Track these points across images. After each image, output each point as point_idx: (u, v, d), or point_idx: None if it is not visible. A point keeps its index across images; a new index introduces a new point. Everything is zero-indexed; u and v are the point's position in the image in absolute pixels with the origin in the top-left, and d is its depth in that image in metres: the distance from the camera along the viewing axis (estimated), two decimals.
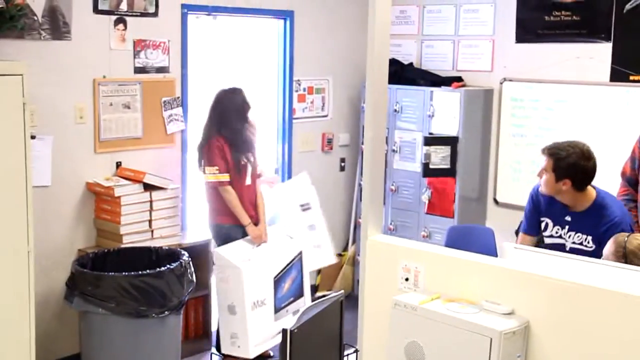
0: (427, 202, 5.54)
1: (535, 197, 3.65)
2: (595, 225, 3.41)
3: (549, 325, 2.32)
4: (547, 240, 3.61)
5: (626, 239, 2.87)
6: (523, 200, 5.30)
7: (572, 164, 3.38)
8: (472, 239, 4.78)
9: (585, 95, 5.06)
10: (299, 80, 5.63)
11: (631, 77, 4.91)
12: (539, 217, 3.63)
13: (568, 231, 3.54)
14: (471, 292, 2.43)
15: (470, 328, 2.22)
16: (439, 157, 5.34)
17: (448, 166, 5.46)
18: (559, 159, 3.40)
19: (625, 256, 2.86)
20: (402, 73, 5.71)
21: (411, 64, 5.91)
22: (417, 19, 5.93)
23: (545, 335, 2.32)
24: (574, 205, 3.48)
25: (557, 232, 3.57)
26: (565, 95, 5.12)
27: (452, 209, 5.51)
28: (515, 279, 2.42)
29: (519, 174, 5.52)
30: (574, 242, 3.53)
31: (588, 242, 3.47)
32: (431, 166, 5.34)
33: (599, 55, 5.09)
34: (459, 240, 4.61)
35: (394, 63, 5.65)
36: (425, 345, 2.30)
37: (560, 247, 3.51)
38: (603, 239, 3.24)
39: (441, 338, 2.31)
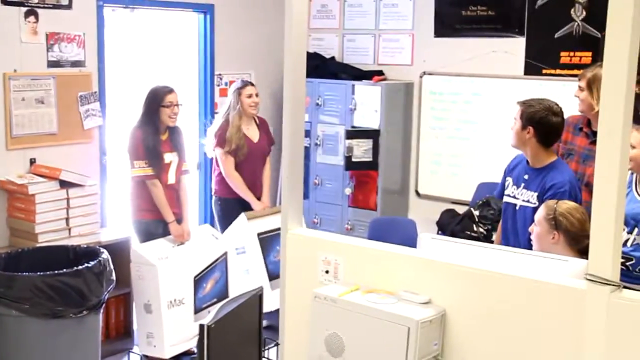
0: (350, 195, 5.45)
1: (510, 163, 3.88)
2: (544, 185, 3.61)
3: (465, 313, 2.33)
4: (504, 200, 3.83)
5: (556, 203, 3.05)
6: (444, 192, 5.42)
7: (537, 112, 3.60)
8: (395, 231, 4.85)
9: (501, 89, 5.20)
10: (220, 75, 5.57)
11: (544, 71, 5.11)
12: (505, 179, 3.84)
13: (522, 189, 3.71)
14: (390, 283, 2.44)
15: (388, 318, 2.23)
16: (361, 150, 5.38)
17: (370, 159, 5.51)
18: (528, 107, 3.61)
19: (555, 219, 3.04)
20: (324, 67, 5.73)
21: (333, 57, 5.95)
22: (338, 13, 5.96)
23: (461, 323, 2.34)
24: (534, 162, 3.66)
25: (512, 192, 3.74)
26: (482, 88, 5.26)
27: (375, 201, 5.54)
28: (432, 269, 2.44)
29: (440, 167, 5.63)
30: (523, 200, 3.69)
31: (533, 198, 3.63)
32: (354, 159, 5.38)
33: (513, 49, 5.26)
34: (381, 232, 4.67)
35: (315, 57, 5.68)
36: (345, 336, 2.30)
37: (512, 208, 3.73)
38: (550, 197, 3.50)
39: (360, 329, 2.31)
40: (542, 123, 3.60)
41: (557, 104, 3.62)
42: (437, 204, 5.22)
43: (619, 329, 2.13)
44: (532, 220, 3.43)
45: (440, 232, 5.25)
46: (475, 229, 4.52)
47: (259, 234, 4.66)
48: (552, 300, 2.24)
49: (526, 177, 3.68)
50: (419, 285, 2.44)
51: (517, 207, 3.69)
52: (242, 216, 4.70)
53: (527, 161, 3.68)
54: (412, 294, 2.35)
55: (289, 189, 2.77)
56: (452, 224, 5.05)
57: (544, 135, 3.62)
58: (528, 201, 3.65)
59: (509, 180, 3.77)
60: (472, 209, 4.60)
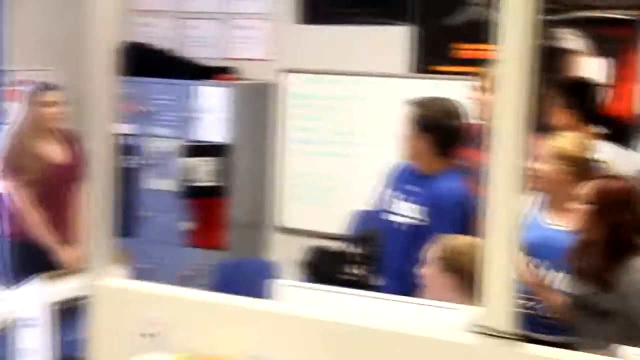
0: (189, 231, 5.45)
1: (391, 172, 4.25)
2: (434, 197, 3.99)
3: None
4: (383, 218, 4.13)
5: (450, 240, 3.41)
6: (313, 224, 5.47)
7: (433, 115, 3.99)
8: (249, 276, 4.89)
9: (384, 90, 5.43)
10: (11, 71, 5.46)
11: (436, 67, 5.47)
12: (384, 193, 4.17)
13: (407, 203, 4.08)
14: (233, 346, 2.49)
15: None
16: (205, 172, 5.39)
17: (217, 184, 5.60)
18: (420, 109, 4.02)
19: (447, 258, 3.41)
20: (155, 62, 5.84)
21: (166, 50, 6.03)
22: None
23: None
24: (423, 170, 4.04)
25: (394, 208, 4.14)
26: (361, 90, 5.29)
27: (223, 239, 5.61)
28: (288, 326, 2.50)
29: (307, 191, 5.81)
30: (408, 217, 4.07)
31: (422, 214, 3.98)
32: (194, 184, 5.33)
33: (398, 40, 5.57)
34: (231, 279, 4.72)
35: (142, 49, 5.59)
36: None
37: (394, 228, 4.13)
38: (441, 213, 3.94)
39: None
40: (439, 127, 3.90)
41: (455, 103, 3.99)
42: (304, 240, 5.29)
43: None
44: (416, 242, 3.61)
45: (308, 275, 5.37)
46: (351, 270, 4.66)
47: (56, 303, 4.57)
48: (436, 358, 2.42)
49: (412, 188, 4.00)
50: (271, 346, 2.49)
51: (401, 226, 4.01)
52: (37, 279, 4.61)
53: (414, 169, 3.97)
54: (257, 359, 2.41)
55: (96, 225, 2.76)
56: (323, 265, 5.20)
57: (442, 141, 3.95)
58: (414, 218, 3.97)
59: (391, 193, 4.08)
60: (348, 245, 4.75)
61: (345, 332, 2.41)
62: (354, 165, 5.50)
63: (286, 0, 5.81)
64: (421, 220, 3.91)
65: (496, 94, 2.31)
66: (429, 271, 3.41)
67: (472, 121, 4.46)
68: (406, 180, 4.02)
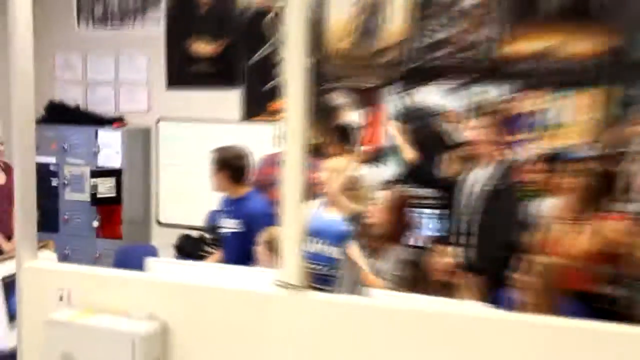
0: (97, 227, 5.37)
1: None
2: (243, 213, 3.93)
3: (186, 326, 2.40)
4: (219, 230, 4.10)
5: (269, 230, 3.46)
6: (182, 219, 5.49)
7: (228, 157, 3.96)
8: (138, 257, 4.78)
9: (223, 131, 5.58)
10: None
11: (258, 117, 5.57)
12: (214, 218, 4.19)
13: (227, 219, 3.99)
14: (118, 305, 2.44)
15: (115, 335, 2.25)
16: (106, 187, 5.31)
17: (114, 195, 5.74)
18: (220, 153, 3.99)
19: (270, 242, 3.44)
20: (70, 114, 6.04)
21: (78, 106, 6.19)
22: (80, 65, 5.86)
23: (183, 336, 2.40)
24: (233, 195, 3.97)
25: (222, 223, 4.03)
26: (208, 132, 5.47)
27: (120, 231, 5.43)
28: (155, 289, 2.48)
29: (178, 197, 5.91)
30: (231, 228, 3.96)
31: (238, 225, 3.91)
32: (99, 196, 5.33)
33: (233, 98, 5.71)
34: (126, 259, 4.67)
35: (61, 106, 5.65)
36: (79, 356, 2.28)
37: (225, 235, 4.00)
38: (251, 221, 3.86)
39: (91, 348, 2.30)
40: (232, 165, 3.93)
41: (243, 148, 4.02)
42: (176, 231, 5.27)
43: (305, 321, 2.28)
44: (241, 242, 3.66)
45: (178, 254, 5.28)
46: (206, 249, 4.64)
47: (4, 278, 4.38)
48: (252, 306, 2.35)
49: (230, 208, 4.00)
50: (144, 304, 2.46)
51: (227, 233, 3.99)
52: None
53: (228, 196, 4.04)
54: (136, 313, 2.37)
55: (21, 222, 2.67)
56: (188, 247, 5.16)
57: (234, 175, 3.94)
58: (235, 228, 3.95)
59: (219, 213, 4.14)
60: (203, 233, 4.72)
61: (196, 291, 2.38)
62: (207, 180, 5.17)
63: (159, 72, 6.00)
64: (240, 229, 3.95)
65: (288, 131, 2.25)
66: (259, 249, 3.59)
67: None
68: (225, 204, 4.08)
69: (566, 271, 3.35)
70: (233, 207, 3.93)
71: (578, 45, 5.02)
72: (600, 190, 3.66)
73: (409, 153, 4.97)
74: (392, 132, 5.25)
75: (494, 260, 3.88)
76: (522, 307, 3.22)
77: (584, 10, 4.98)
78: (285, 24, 2.26)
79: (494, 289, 3.56)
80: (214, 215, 5.04)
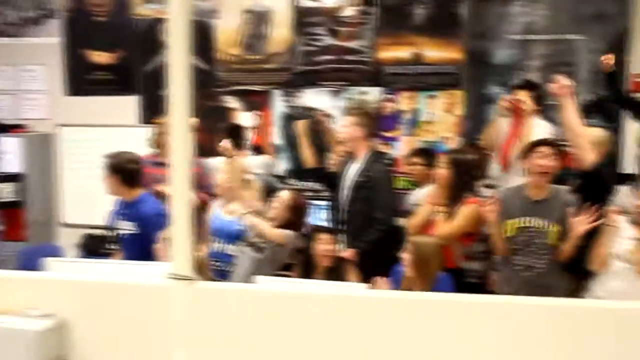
0: (2, 231, 5.35)
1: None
2: (138, 215, 3.83)
3: (86, 321, 2.44)
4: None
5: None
6: (86, 219, 5.42)
7: (119, 162, 3.84)
8: (42, 257, 4.67)
9: (122, 135, 5.49)
10: None
11: (153, 120, 5.24)
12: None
13: (123, 221, 3.90)
14: (17, 304, 2.45)
15: (9, 333, 2.26)
16: (9, 191, 5.19)
17: (17, 199, 5.60)
18: (111, 159, 3.85)
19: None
20: None
21: None
22: None
23: (83, 331, 2.45)
24: (127, 198, 3.86)
25: (118, 225, 3.93)
26: (108, 136, 5.71)
27: (25, 234, 5.37)
28: (54, 287, 2.50)
29: (82, 198, 5.70)
30: (127, 229, 3.87)
31: (133, 227, 3.84)
32: (2, 200, 5.18)
33: (131, 104, 5.69)
34: (30, 261, 4.53)
35: None
36: None
37: (123, 236, 3.90)
38: (144, 223, 3.77)
39: None
40: (124, 169, 3.84)
41: (134, 153, 3.97)
42: (81, 231, 5.22)
43: (197, 309, 2.34)
44: (138, 243, 3.63)
45: (82, 252, 5.21)
46: (109, 247, 4.59)
47: None
48: (148, 298, 2.39)
49: (124, 211, 3.94)
50: (43, 302, 2.49)
51: (124, 234, 3.92)
52: None
53: (122, 199, 3.94)
54: (34, 311, 2.39)
55: None
56: (91, 245, 5.11)
57: (127, 179, 3.86)
58: (130, 229, 3.88)
59: (115, 215, 4.04)
60: (105, 232, 4.66)
61: (94, 288, 2.45)
62: None
63: (57, 81, 5.86)
64: (135, 231, 3.85)
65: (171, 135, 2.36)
66: (159, 247, 3.45)
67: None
68: (120, 206, 3.98)
69: (440, 250, 3.51)
70: (127, 210, 3.91)
71: (441, 52, 5.41)
72: (463, 178, 3.90)
73: (307, 151, 5.26)
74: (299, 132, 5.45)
75: (365, 243, 4.07)
76: (407, 282, 3.37)
77: (445, 23, 5.38)
78: (169, 32, 2.31)
79: (375, 268, 3.62)
80: (113, 215, 5.01)
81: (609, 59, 4.49)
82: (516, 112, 4.33)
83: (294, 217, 3.99)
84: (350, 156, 4.41)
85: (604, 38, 5.12)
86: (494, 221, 3.65)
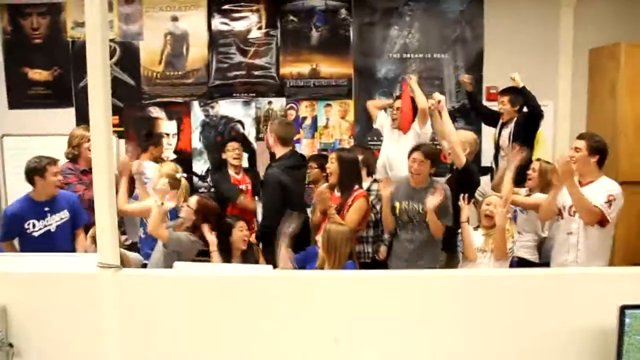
0: None
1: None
2: (65, 205, 3.79)
3: (23, 308, 2.39)
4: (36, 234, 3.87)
5: None
6: None
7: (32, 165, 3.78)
8: None
9: (63, 144, 5.09)
10: None
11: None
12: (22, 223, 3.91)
13: (50, 216, 3.82)
14: None
15: None
16: None
17: None
18: (29, 164, 3.77)
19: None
20: None
21: None
22: None
23: (20, 316, 2.38)
24: (41, 197, 3.80)
25: (43, 224, 3.80)
26: (49, 144, 5.40)
27: None
28: None
29: None
30: (57, 221, 3.79)
31: (64, 218, 3.83)
32: None
33: (66, 116, 5.55)
34: None
35: None
36: None
37: (48, 233, 3.82)
38: (74, 212, 3.77)
39: None
40: (34, 170, 3.81)
41: (51, 157, 3.87)
42: None
43: (124, 294, 2.33)
44: (69, 226, 3.80)
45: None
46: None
47: None
48: (80, 285, 2.34)
49: (49, 207, 3.88)
50: None
51: (51, 227, 3.82)
52: None
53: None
54: None
55: None
56: None
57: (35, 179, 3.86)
58: (59, 220, 3.82)
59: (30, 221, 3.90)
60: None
61: (30, 278, 2.39)
62: None
63: (0, 95, 5.58)
64: (62, 220, 3.83)
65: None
66: (88, 244, 3.44)
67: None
68: (44, 205, 3.81)
69: (350, 237, 3.48)
70: (48, 206, 3.79)
71: (335, 67, 5.68)
72: (352, 173, 4.02)
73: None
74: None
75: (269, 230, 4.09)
76: (320, 262, 3.37)
77: (337, 43, 5.65)
78: (88, 51, 2.31)
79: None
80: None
81: (466, 79, 4.81)
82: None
83: (202, 220, 3.72)
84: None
85: (465, 57, 5.65)
86: (386, 201, 3.90)
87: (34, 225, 3.80)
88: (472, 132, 4.56)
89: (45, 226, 3.80)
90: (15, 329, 2.48)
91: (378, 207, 4.17)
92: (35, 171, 3.77)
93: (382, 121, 4.83)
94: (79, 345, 2.34)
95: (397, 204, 3.95)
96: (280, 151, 4.15)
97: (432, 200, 3.74)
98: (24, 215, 3.79)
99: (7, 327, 2.48)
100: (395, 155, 4.46)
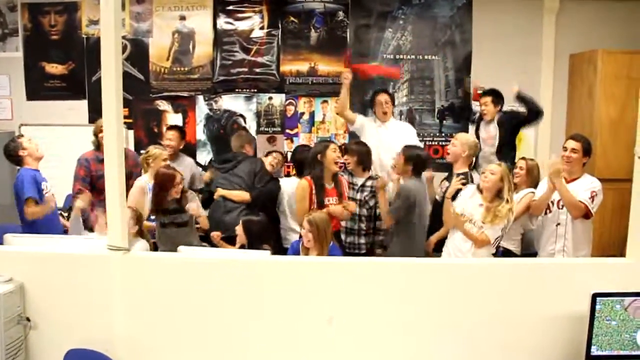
0: None
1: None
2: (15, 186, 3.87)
3: (40, 286, 2.41)
4: None
5: None
6: None
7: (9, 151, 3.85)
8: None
9: (77, 134, 5.41)
10: None
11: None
12: None
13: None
14: None
15: None
16: None
17: None
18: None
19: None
20: None
21: None
22: None
23: (38, 293, 2.40)
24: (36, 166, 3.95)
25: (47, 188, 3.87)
26: (63, 133, 5.50)
27: None
28: (13, 258, 2.45)
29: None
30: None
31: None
32: None
33: (82, 107, 5.62)
34: None
35: None
36: None
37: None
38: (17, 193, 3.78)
39: None
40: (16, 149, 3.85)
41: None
42: None
43: (131, 275, 2.35)
44: None
45: None
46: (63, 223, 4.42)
47: None
48: (91, 266, 2.37)
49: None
50: (4, 270, 2.41)
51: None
52: None
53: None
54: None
55: None
56: None
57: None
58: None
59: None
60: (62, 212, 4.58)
61: (46, 258, 2.33)
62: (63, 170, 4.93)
63: (20, 87, 5.66)
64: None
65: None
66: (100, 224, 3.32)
67: None
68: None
69: (330, 221, 3.48)
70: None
71: (332, 66, 5.68)
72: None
73: None
74: None
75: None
76: (304, 251, 3.33)
77: (334, 44, 5.67)
78: (102, 47, 2.30)
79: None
80: (69, 198, 4.87)
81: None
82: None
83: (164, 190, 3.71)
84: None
85: (454, 59, 5.67)
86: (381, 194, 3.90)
87: (46, 187, 3.89)
88: (472, 135, 4.48)
89: (48, 190, 3.87)
90: (32, 304, 2.49)
91: (372, 202, 4.10)
92: (19, 148, 3.76)
93: (362, 121, 4.73)
94: (90, 321, 2.36)
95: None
96: None
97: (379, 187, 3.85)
98: (37, 178, 3.83)
99: (25, 303, 2.50)
100: (385, 146, 4.38)
